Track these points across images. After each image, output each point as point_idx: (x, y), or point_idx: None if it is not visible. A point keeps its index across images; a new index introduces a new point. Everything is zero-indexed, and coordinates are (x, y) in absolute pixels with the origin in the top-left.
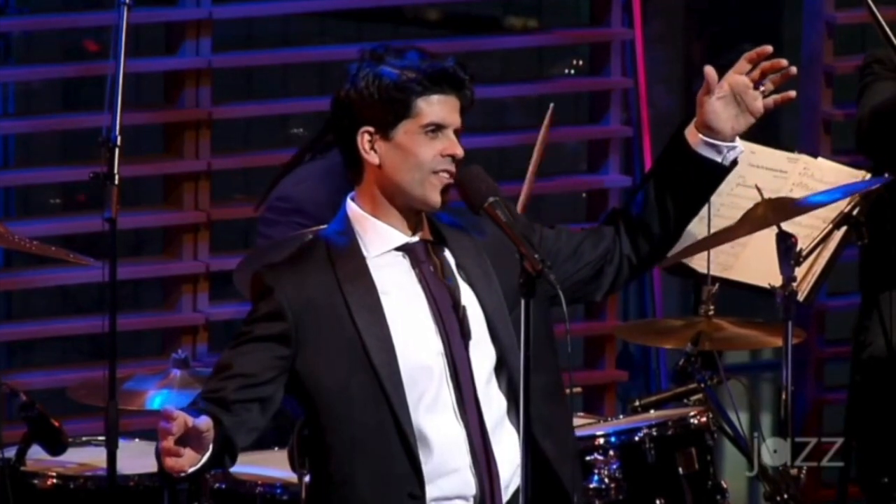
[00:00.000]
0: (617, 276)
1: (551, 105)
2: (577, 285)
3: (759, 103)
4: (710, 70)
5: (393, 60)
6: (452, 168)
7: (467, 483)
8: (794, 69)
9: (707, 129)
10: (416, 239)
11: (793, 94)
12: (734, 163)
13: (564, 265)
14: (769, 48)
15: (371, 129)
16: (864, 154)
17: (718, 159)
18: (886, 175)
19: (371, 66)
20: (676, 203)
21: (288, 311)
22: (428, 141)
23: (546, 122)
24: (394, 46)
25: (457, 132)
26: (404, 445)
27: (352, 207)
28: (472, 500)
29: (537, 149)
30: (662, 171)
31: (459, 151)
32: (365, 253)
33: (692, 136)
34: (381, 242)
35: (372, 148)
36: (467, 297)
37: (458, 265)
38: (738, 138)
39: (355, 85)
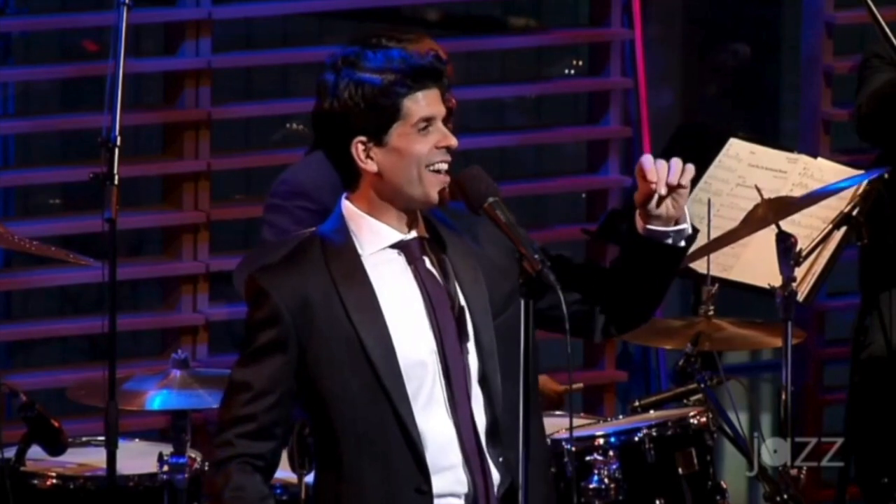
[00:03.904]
0: (606, 330)
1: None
2: (571, 317)
3: (673, 177)
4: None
5: (369, 64)
6: (448, 158)
7: (460, 481)
8: (662, 189)
9: (652, 217)
10: (411, 236)
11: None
12: (690, 240)
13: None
14: (646, 166)
15: (364, 138)
16: (864, 139)
17: (669, 242)
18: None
19: (349, 73)
20: (646, 280)
21: (286, 313)
22: (421, 137)
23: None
24: (364, 49)
25: (447, 116)
26: (407, 441)
27: (347, 206)
28: (463, 498)
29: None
30: (626, 254)
31: (453, 142)
32: (360, 251)
33: (640, 225)
34: (377, 240)
35: (368, 156)
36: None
37: (454, 264)
38: (688, 216)
39: (338, 97)
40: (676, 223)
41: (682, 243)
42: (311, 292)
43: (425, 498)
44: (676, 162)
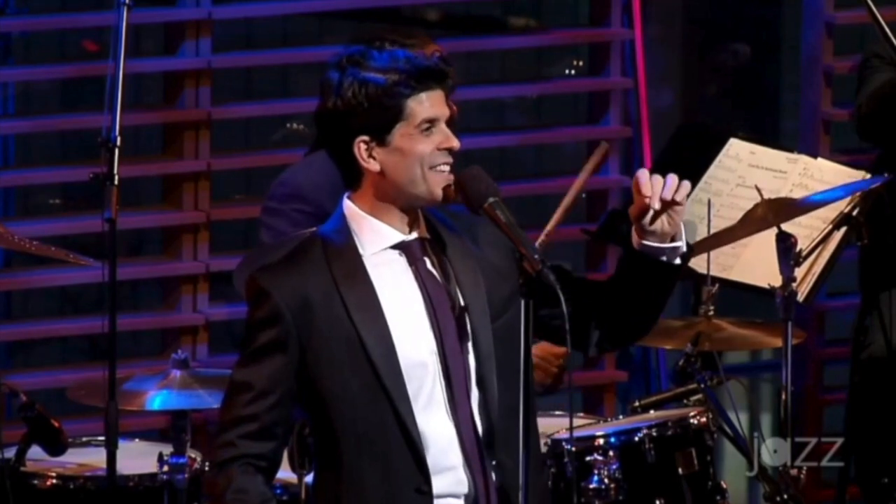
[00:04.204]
0: (600, 344)
1: (603, 144)
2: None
3: (668, 193)
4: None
5: (374, 64)
6: (450, 160)
7: (460, 481)
8: (656, 204)
9: (647, 233)
10: (412, 237)
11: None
12: (686, 258)
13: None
14: (641, 180)
15: (366, 137)
16: (864, 139)
17: (663, 259)
18: (886, 174)
19: (354, 73)
20: (640, 296)
21: (286, 312)
22: (424, 138)
23: (593, 161)
24: (369, 48)
25: (448, 121)
26: (407, 441)
27: (349, 206)
28: (463, 498)
29: (574, 188)
30: (621, 269)
31: (455, 143)
32: (361, 251)
33: (635, 241)
34: (378, 240)
35: (370, 156)
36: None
37: (454, 266)
38: (684, 234)
39: (342, 96)
40: (673, 240)
41: (677, 261)
42: (312, 292)
43: (425, 498)
44: (672, 178)
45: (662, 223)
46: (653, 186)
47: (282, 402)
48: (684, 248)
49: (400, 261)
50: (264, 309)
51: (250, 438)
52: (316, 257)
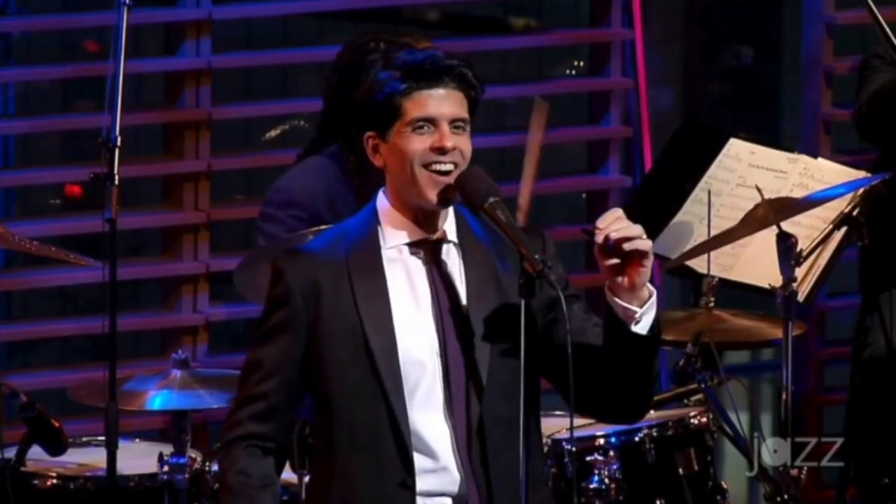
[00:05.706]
0: (579, 405)
1: (537, 99)
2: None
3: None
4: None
5: (396, 61)
6: (444, 159)
7: (454, 482)
8: (599, 238)
9: (619, 292)
10: (433, 237)
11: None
12: (655, 333)
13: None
14: (606, 213)
15: (373, 133)
16: (864, 140)
17: (619, 316)
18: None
19: (378, 69)
20: (603, 366)
21: (296, 292)
22: (416, 136)
23: (535, 120)
24: (403, 47)
25: (456, 122)
26: (396, 435)
27: (381, 199)
28: (457, 499)
29: (532, 150)
30: (605, 343)
31: (447, 143)
32: (382, 244)
33: (607, 295)
34: (398, 235)
35: (377, 152)
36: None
37: (465, 273)
38: (651, 314)
39: (362, 89)
40: (641, 306)
41: (635, 328)
42: (324, 276)
43: (409, 493)
44: (637, 227)
45: (624, 279)
46: (610, 223)
47: (290, 382)
48: (642, 319)
49: (417, 259)
50: (278, 288)
51: (258, 419)
52: (338, 245)
